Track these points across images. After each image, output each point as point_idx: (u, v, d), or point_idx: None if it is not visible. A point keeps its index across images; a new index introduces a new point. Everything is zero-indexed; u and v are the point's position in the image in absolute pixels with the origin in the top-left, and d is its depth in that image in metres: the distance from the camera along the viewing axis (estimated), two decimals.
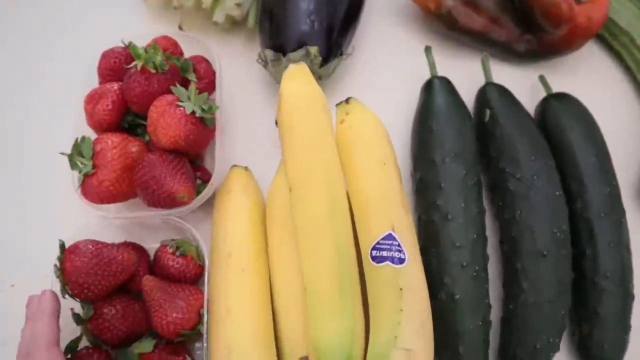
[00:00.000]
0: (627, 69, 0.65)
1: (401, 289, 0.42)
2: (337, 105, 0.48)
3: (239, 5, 0.59)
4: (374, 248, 0.44)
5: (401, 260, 0.43)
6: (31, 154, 0.61)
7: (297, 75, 0.45)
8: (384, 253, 0.44)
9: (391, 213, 0.44)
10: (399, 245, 0.44)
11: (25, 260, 0.54)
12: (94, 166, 0.47)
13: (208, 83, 0.55)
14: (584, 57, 0.65)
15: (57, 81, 0.63)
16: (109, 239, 0.50)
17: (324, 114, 0.45)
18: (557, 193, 0.51)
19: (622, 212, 0.52)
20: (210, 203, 0.53)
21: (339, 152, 0.46)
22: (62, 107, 0.57)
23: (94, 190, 0.48)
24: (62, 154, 0.48)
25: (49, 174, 0.57)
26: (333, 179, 0.44)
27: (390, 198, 0.45)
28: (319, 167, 0.43)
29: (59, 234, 0.47)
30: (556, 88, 0.59)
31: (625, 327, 0.49)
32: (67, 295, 0.45)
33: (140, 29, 0.66)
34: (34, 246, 0.54)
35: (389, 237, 0.44)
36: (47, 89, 0.64)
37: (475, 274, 0.48)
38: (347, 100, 0.48)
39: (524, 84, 0.64)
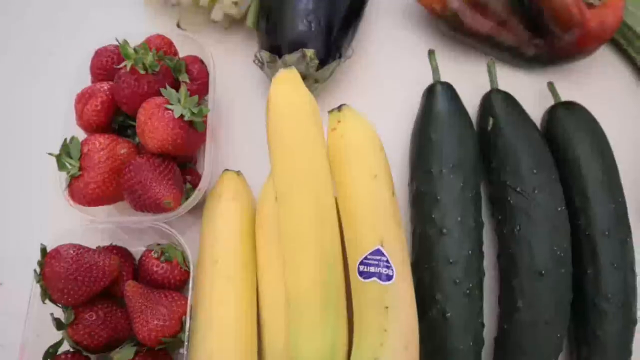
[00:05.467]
0: None
1: (387, 307, 0.41)
2: (330, 112, 0.46)
3: (236, 3, 0.57)
4: (361, 263, 0.43)
5: (389, 277, 0.42)
6: (23, 151, 0.60)
7: (287, 80, 0.44)
8: (372, 269, 0.42)
9: (380, 228, 0.43)
10: (387, 261, 0.42)
11: (15, 259, 0.54)
12: (80, 168, 0.47)
13: (201, 84, 0.53)
14: (597, 63, 0.62)
15: (55, 77, 0.62)
16: (95, 242, 0.50)
17: (313, 121, 0.43)
18: (559, 209, 0.49)
19: (627, 231, 0.50)
20: (200, 207, 0.52)
21: (330, 160, 0.45)
22: (56, 105, 0.56)
23: (81, 193, 0.47)
24: (50, 154, 0.47)
25: (40, 173, 0.56)
26: (320, 190, 0.42)
27: (380, 212, 0.43)
28: (305, 178, 0.42)
29: (48, 233, 0.47)
30: (566, 95, 0.57)
31: (626, 352, 0.47)
32: (47, 300, 0.44)
33: (140, 26, 0.65)
34: (23, 245, 0.53)
35: (377, 252, 0.42)
36: (45, 85, 0.63)
37: (468, 291, 0.46)
38: (339, 108, 0.46)
39: (532, 90, 0.61)
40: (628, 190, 0.51)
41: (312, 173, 0.42)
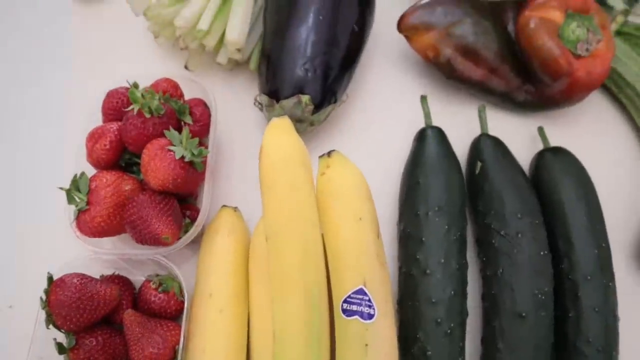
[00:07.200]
0: (632, 121, 0.64)
1: (367, 345, 0.43)
2: (320, 157, 0.49)
3: (239, 50, 0.61)
4: (345, 301, 0.45)
5: (370, 316, 0.44)
6: (37, 184, 0.64)
7: (279, 129, 0.47)
8: (354, 307, 0.44)
9: (364, 268, 0.45)
10: (369, 300, 0.44)
11: (25, 284, 0.57)
12: (88, 202, 0.50)
13: (203, 126, 0.57)
14: (589, 107, 0.64)
15: (70, 114, 0.66)
16: (99, 270, 0.53)
17: (303, 169, 0.46)
18: (542, 253, 0.51)
19: (610, 276, 0.51)
20: (198, 240, 0.55)
21: (318, 203, 0.47)
22: (68, 140, 0.60)
23: (87, 225, 0.50)
24: (61, 188, 0.51)
25: (51, 205, 0.59)
26: (307, 232, 0.45)
27: (363, 253, 0.45)
28: (293, 221, 0.44)
29: (56, 261, 0.50)
30: (557, 139, 0.59)
31: None
32: (51, 326, 0.47)
33: (151, 66, 0.69)
34: (33, 271, 0.57)
35: (360, 291, 0.45)
36: (60, 120, 0.67)
37: (449, 331, 0.48)
38: (329, 153, 0.49)
39: (523, 133, 0.63)
40: (616, 233, 0.53)
41: (300, 217, 0.45)
